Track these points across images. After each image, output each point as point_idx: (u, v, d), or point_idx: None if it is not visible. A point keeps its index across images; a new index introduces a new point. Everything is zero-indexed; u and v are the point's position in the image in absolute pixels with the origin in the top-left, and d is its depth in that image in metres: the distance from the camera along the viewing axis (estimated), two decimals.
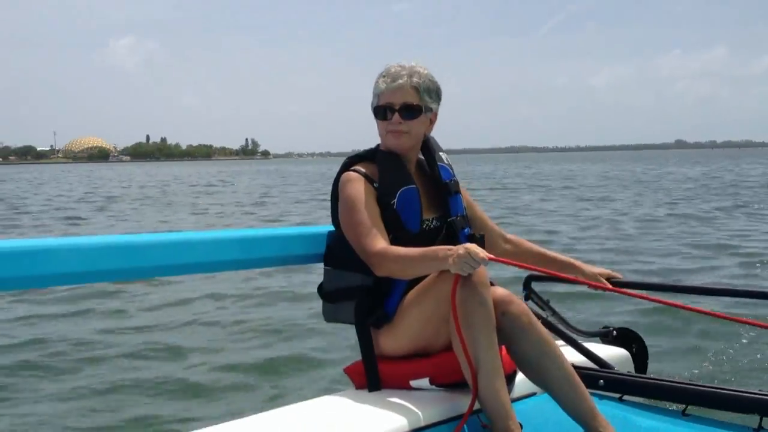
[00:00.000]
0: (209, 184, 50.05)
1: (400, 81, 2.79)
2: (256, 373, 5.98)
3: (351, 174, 2.80)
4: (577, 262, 3.12)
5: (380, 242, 2.63)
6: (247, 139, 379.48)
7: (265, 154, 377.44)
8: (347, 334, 2.87)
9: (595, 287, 2.92)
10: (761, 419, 2.57)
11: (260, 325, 7.59)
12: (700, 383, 2.97)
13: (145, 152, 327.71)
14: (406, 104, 2.79)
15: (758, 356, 5.57)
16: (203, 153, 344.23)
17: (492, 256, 2.50)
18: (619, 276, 3.12)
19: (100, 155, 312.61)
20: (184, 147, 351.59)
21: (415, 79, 2.80)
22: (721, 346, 5.83)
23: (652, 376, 3.11)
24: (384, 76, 2.83)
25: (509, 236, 3.14)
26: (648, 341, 3.43)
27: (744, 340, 5.82)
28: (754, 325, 2.68)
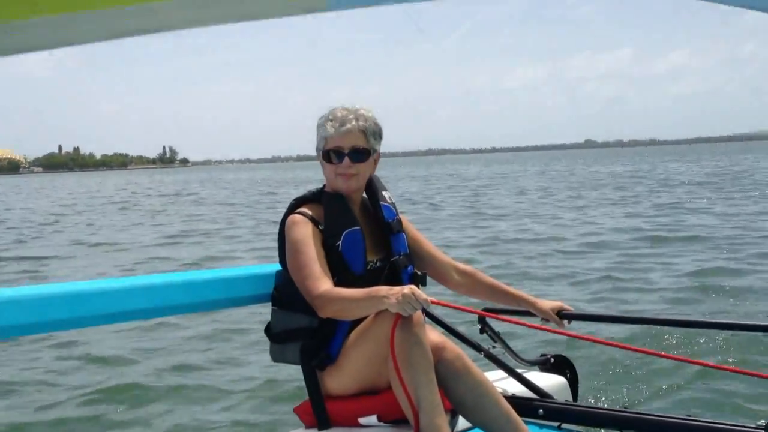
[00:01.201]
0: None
1: (349, 126, 2.85)
2: (200, 413, 5.90)
3: (296, 217, 2.85)
4: (531, 297, 3.20)
5: (324, 284, 2.68)
6: (164, 147, 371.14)
7: (184, 162, 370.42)
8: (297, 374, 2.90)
9: (546, 330, 3.09)
10: None
11: (204, 363, 7.49)
12: (633, 410, 3.14)
13: (57, 163, 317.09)
14: (355, 148, 2.86)
15: (684, 385, 5.83)
16: (119, 162, 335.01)
17: (434, 299, 2.58)
18: (570, 309, 3.23)
19: (9, 167, 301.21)
20: (98, 156, 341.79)
21: (361, 123, 2.87)
22: (652, 374, 6.09)
23: (588, 404, 3.26)
24: (331, 120, 2.88)
25: (462, 267, 3.17)
26: (588, 367, 3.57)
27: (669, 372, 6.08)
28: (674, 359, 2.87)
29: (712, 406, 5.34)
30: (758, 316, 8.03)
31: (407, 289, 2.51)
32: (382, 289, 2.58)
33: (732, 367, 4.57)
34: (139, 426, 5.57)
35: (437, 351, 2.65)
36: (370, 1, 0.90)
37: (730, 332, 6.37)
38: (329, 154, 2.88)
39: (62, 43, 0.91)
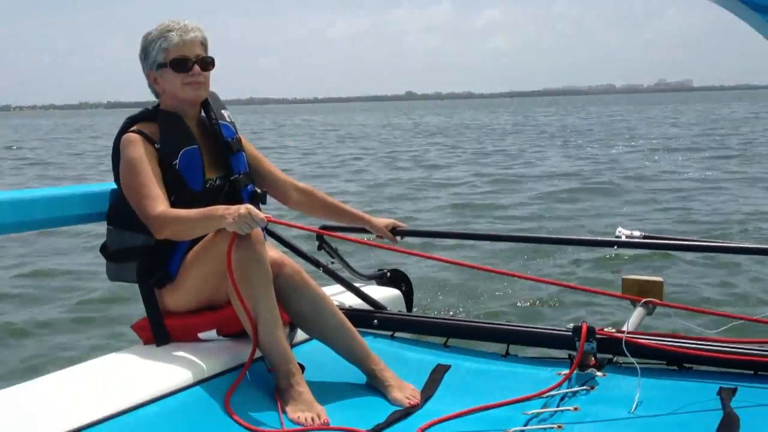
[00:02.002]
0: None
1: (192, 35, 2.84)
2: (41, 334, 5.76)
3: (131, 135, 2.80)
4: (366, 216, 3.35)
5: (160, 205, 2.68)
6: None
7: None
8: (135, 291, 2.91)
9: (379, 246, 3.28)
10: (508, 347, 3.01)
11: (42, 283, 7.25)
12: (458, 318, 3.39)
13: None
14: (201, 56, 2.86)
15: (510, 297, 6.34)
16: None
17: (271, 217, 2.66)
18: (404, 226, 3.42)
19: None
20: None
21: (202, 34, 2.89)
22: (478, 287, 6.54)
23: (418, 314, 3.47)
24: (172, 30, 2.83)
25: (301, 186, 3.25)
26: (421, 276, 3.80)
27: (493, 284, 6.56)
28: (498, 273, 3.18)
29: (529, 313, 5.89)
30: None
31: (244, 208, 2.56)
32: (219, 209, 2.61)
33: (550, 279, 4.99)
34: None
35: (276, 266, 2.73)
36: None
37: (543, 245, 7.01)
38: (178, 63, 2.83)
39: None
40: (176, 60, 2.83)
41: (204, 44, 2.89)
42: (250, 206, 2.59)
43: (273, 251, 2.79)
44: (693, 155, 21.04)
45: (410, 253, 3.17)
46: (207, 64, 2.88)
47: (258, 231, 2.65)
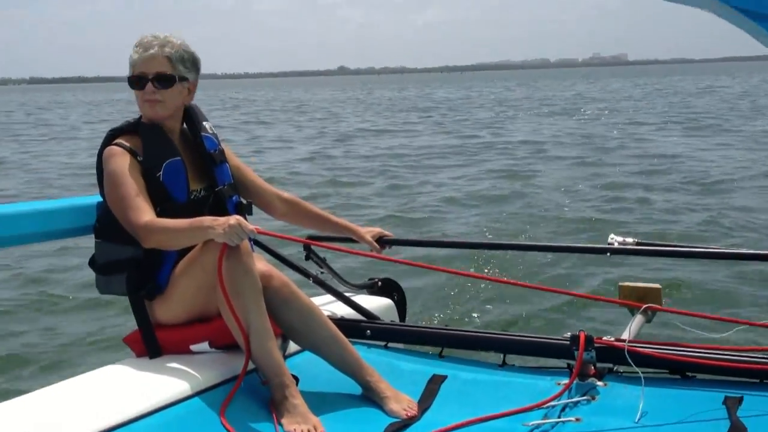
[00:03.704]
0: None
1: (152, 51, 2.81)
2: (32, 350, 5.70)
3: (114, 149, 2.79)
4: (352, 225, 3.33)
5: (146, 215, 2.66)
6: None
7: None
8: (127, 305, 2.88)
9: (364, 255, 3.24)
10: (504, 356, 2.97)
11: (32, 299, 7.19)
12: (453, 328, 3.35)
13: None
14: (158, 74, 2.82)
15: (503, 305, 6.29)
16: None
17: (260, 228, 2.64)
18: (390, 235, 3.40)
19: None
20: None
21: (167, 49, 2.83)
22: (473, 295, 6.51)
23: (412, 324, 3.43)
24: (137, 47, 2.84)
25: (286, 196, 3.25)
26: (413, 286, 3.77)
27: (488, 293, 6.53)
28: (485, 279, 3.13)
29: (525, 322, 5.83)
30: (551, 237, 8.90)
31: (233, 219, 2.55)
32: (206, 219, 2.60)
33: (544, 286, 4.95)
34: None
35: (264, 279, 2.71)
36: None
37: (536, 253, 7.01)
38: (134, 80, 2.84)
39: None
40: (133, 78, 2.85)
41: (171, 60, 2.83)
42: (239, 217, 2.59)
43: (261, 263, 2.77)
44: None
45: (393, 261, 3.17)
46: (166, 81, 2.83)
47: (246, 243, 2.64)
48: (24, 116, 44.80)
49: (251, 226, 2.58)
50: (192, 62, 2.91)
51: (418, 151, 18.82)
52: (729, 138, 19.65)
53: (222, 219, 2.56)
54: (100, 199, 2.90)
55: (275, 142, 23.18)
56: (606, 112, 31.20)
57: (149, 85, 2.81)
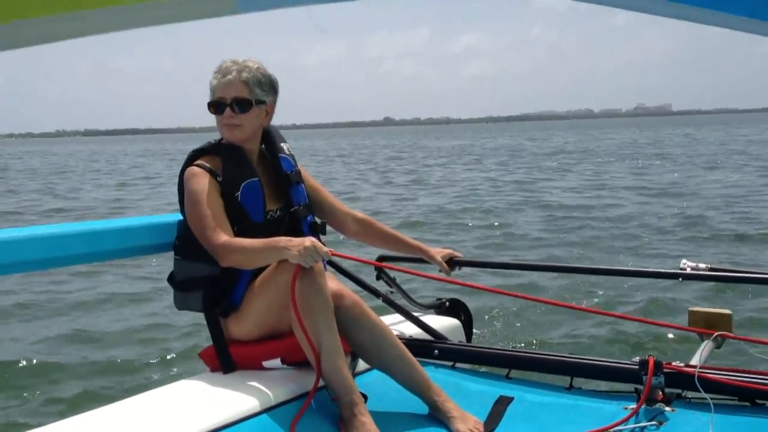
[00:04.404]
0: None
1: (230, 77, 2.91)
2: (112, 364, 5.88)
3: (194, 169, 2.90)
4: (423, 246, 3.37)
5: (223, 234, 2.75)
6: None
7: None
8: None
9: (435, 278, 3.33)
10: (572, 379, 2.97)
11: (111, 315, 7.43)
12: (520, 350, 3.37)
13: None
14: (236, 98, 2.91)
15: (570, 328, 6.26)
16: None
17: (334, 251, 2.70)
18: (459, 255, 3.42)
19: None
20: None
21: (244, 74, 2.92)
22: (539, 317, 6.49)
23: (479, 345, 3.46)
24: (216, 73, 2.94)
25: (359, 216, 3.30)
26: (479, 306, 3.79)
27: (555, 315, 6.49)
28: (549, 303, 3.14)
29: (593, 345, 5.77)
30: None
31: (308, 241, 2.61)
32: (282, 240, 2.67)
33: (615, 312, 4.92)
34: (46, 383, 5.49)
35: (336, 298, 2.75)
36: (279, 3, 0.92)
37: (604, 277, 6.92)
38: (213, 106, 2.94)
39: None
40: (212, 103, 2.94)
41: (248, 84, 2.92)
42: (314, 239, 2.65)
43: (332, 282, 2.82)
44: None
45: (463, 285, 3.20)
46: (244, 105, 2.92)
47: (319, 263, 2.68)
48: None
49: (326, 249, 2.64)
50: (269, 85, 3.00)
51: None
52: None
53: (297, 240, 2.63)
54: (180, 217, 3.01)
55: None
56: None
57: (227, 110, 2.90)
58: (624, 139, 58.41)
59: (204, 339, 2.98)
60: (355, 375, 2.87)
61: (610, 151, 39.92)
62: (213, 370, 2.90)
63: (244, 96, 2.92)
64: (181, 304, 3.00)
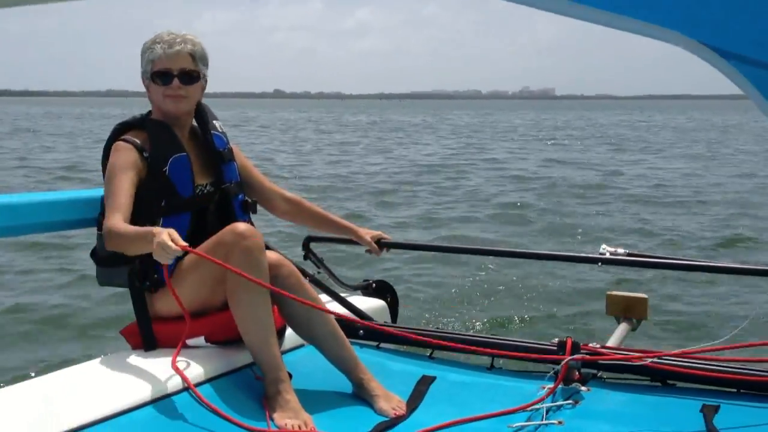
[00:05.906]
0: None
1: (177, 48, 2.86)
2: (28, 339, 5.74)
3: (120, 144, 2.83)
4: (353, 226, 3.41)
5: (114, 216, 2.66)
6: None
7: None
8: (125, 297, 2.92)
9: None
10: (493, 359, 3.04)
11: (28, 290, 7.23)
12: (444, 330, 3.42)
13: None
14: (184, 70, 2.87)
15: (494, 311, 6.40)
16: None
17: (186, 245, 2.51)
18: (388, 238, 3.48)
19: None
20: None
21: (190, 47, 2.89)
22: (464, 300, 6.60)
23: (404, 326, 3.50)
24: (159, 43, 2.87)
25: (288, 195, 3.29)
26: (407, 289, 3.83)
27: (478, 298, 6.62)
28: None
29: (514, 327, 5.95)
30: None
31: (165, 234, 2.48)
32: (153, 230, 2.53)
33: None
34: None
35: (273, 267, 2.74)
36: None
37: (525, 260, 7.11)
38: (158, 75, 2.87)
39: None
40: (158, 72, 2.88)
41: (194, 57, 2.90)
42: (172, 231, 2.50)
43: (273, 253, 2.81)
44: None
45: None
46: (190, 77, 2.89)
47: (259, 238, 2.65)
48: None
49: (180, 245, 2.47)
50: (206, 61, 2.97)
51: None
52: None
53: (158, 230, 2.51)
54: (102, 192, 2.95)
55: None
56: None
57: (176, 81, 2.86)
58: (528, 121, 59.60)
59: (127, 316, 2.92)
60: (282, 353, 2.88)
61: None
62: (135, 347, 2.85)
63: (191, 68, 2.89)
64: (104, 280, 2.94)
